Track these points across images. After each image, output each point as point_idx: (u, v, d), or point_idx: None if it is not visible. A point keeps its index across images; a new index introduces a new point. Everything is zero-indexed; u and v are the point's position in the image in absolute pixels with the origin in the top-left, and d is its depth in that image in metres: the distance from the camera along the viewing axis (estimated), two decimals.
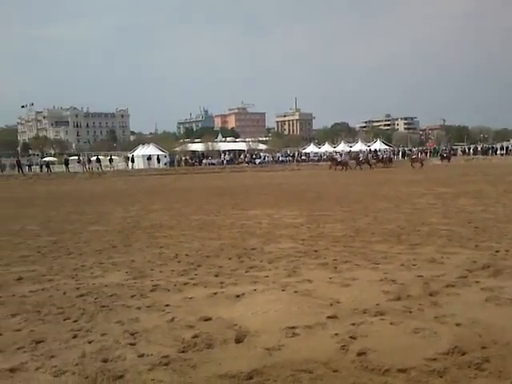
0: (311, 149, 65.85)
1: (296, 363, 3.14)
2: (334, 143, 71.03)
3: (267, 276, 5.42)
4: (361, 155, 46.28)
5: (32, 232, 9.57)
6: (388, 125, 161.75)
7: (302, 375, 2.98)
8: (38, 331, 3.87)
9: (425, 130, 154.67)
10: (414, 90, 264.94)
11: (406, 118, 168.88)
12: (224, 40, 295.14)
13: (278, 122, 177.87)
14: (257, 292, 4.82)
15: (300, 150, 66.16)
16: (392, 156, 50.48)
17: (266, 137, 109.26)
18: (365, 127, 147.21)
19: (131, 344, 3.55)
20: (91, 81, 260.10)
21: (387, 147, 64.53)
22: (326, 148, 64.77)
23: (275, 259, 6.29)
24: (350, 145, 67.63)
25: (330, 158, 45.40)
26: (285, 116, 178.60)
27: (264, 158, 56.93)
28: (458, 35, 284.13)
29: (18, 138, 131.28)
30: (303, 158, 59.44)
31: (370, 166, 41.17)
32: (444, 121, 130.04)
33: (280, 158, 58.18)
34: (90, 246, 7.71)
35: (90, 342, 3.60)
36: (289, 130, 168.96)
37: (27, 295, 4.92)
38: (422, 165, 38.62)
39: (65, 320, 4.12)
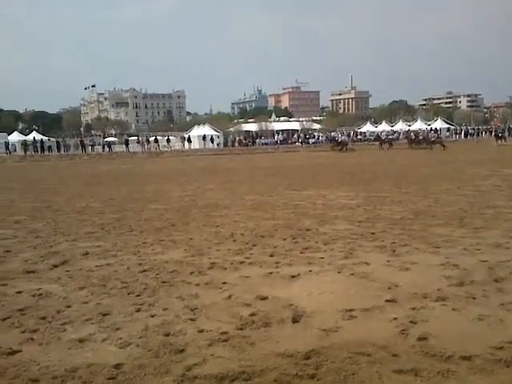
0: (367, 128, 64.05)
1: (353, 345, 3.13)
2: (391, 122, 68.77)
3: (322, 257, 5.40)
4: (412, 134, 44.70)
5: (96, 209, 10.02)
6: (449, 102, 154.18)
7: (360, 358, 2.97)
8: (104, 304, 4.08)
9: (489, 107, 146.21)
10: (478, 65, 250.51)
11: (469, 95, 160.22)
12: (278, 18, 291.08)
13: (332, 100, 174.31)
14: (312, 273, 4.82)
15: (355, 129, 64.62)
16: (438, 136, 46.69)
17: (320, 116, 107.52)
18: (424, 105, 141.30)
19: (191, 319, 3.67)
20: (149, 62, 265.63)
21: (447, 125, 61.81)
22: (384, 127, 62.77)
23: (330, 241, 6.25)
24: (409, 123, 65.13)
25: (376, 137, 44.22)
26: (340, 94, 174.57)
27: (318, 138, 56.11)
28: None
29: (81, 119, 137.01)
30: (359, 137, 58.03)
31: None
32: (511, 98, 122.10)
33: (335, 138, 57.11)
34: (150, 224, 7.98)
35: (152, 316, 3.75)
36: (344, 108, 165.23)
37: (93, 269, 5.18)
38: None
39: (129, 294, 4.32)
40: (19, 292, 4.48)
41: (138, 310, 3.90)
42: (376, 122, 69.90)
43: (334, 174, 17.98)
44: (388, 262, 5.15)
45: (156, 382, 2.77)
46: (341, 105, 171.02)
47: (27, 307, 4.04)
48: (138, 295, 4.28)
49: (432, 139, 40.70)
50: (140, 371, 2.88)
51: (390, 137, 49.09)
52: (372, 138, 53.51)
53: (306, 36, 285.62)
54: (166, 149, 48.73)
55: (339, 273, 4.79)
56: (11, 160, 39.35)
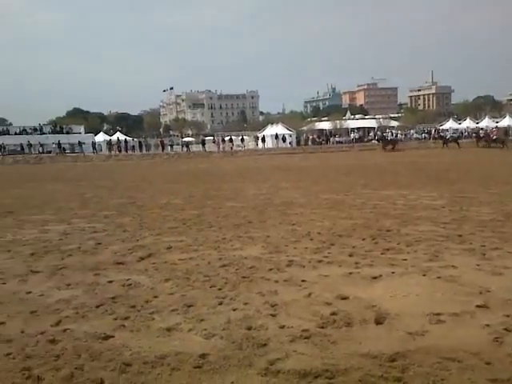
0: (450, 125, 60.83)
1: (442, 351, 3.00)
2: (476, 118, 64.82)
3: (405, 259, 5.20)
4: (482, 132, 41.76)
5: (177, 206, 10.42)
6: None
7: (450, 364, 2.83)
8: (189, 296, 4.22)
9: None
10: None
11: None
12: (350, 13, 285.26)
13: (411, 96, 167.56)
14: (395, 275, 4.67)
15: (437, 126, 61.66)
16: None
17: (397, 113, 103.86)
18: None
19: (272, 315, 3.70)
20: (223, 64, 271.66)
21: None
22: (468, 124, 59.41)
23: (414, 242, 6.01)
24: (497, 120, 60.94)
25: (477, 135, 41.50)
26: (419, 90, 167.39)
27: (396, 136, 54.25)
28: None
29: (161, 120, 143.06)
30: (440, 134, 55.37)
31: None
32: None
33: (414, 136, 55.01)
34: (228, 221, 8.16)
35: (234, 310, 3.83)
36: (423, 105, 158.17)
37: (177, 263, 5.39)
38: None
39: (211, 287, 4.44)
40: (110, 281, 4.75)
41: (221, 303, 3.99)
42: (459, 119, 66.26)
43: (414, 173, 17.31)
44: (478, 265, 4.87)
45: (240, 373, 2.83)
46: (420, 101, 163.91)
47: (118, 296, 4.28)
48: (220, 289, 4.38)
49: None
50: (224, 362, 2.95)
51: (453, 135, 45.91)
52: (455, 135, 50.80)
53: (385, 32, 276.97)
54: (240, 148, 49.57)
55: (424, 275, 4.59)
56: (97, 159, 42.03)
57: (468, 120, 61.14)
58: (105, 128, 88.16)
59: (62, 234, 7.40)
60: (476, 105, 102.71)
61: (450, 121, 63.26)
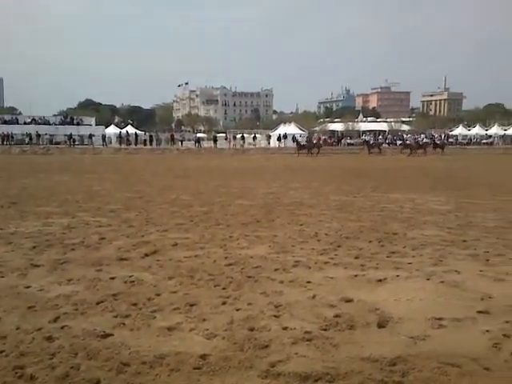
0: (459, 131, 60.57)
1: (443, 355, 3.01)
2: (486, 126, 64.29)
3: (410, 263, 5.21)
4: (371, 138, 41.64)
5: (185, 202, 10.43)
6: None
7: (450, 369, 2.84)
8: (192, 294, 4.22)
9: None
10: None
11: None
12: (373, 16, 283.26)
13: (423, 101, 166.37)
14: (400, 278, 4.67)
15: (447, 131, 61.24)
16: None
17: (409, 117, 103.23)
18: None
19: (275, 316, 3.71)
20: (239, 61, 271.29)
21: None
22: (477, 131, 59.06)
23: (419, 246, 6.01)
24: (505, 128, 60.57)
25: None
26: (432, 95, 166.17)
27: (406, 140, 53.88)
28: None
29: (173, 115, 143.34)
30: (450, 140, 54.95)
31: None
32: None
33: (424, 140, 54.55)
34: (236, 219, 8.17)
35: (237, 310, 3.83)
36: (435, 110, 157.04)
37: (182, 260, 5.39)
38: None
39: (215, 286, 4.45)
40: (112, 278, 4.70)
41: (224, 303, 3.99)
42: (469, 125, 65.76)
43: (423, 177, 17.22)
44: (481, 271, 4.87)
45: (240, 375, 2.82)
46: (432, 106, 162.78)
47: (120, 293, 4.23)
48: (224, 288, 4.38)
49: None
50: (225, 363, 2.94)
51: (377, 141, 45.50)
52: (464, 141, 50.40)
53: (401, 35, 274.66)
54: (252, 146, 49.54)
55: (428, 280, 4.60)
56: (107, 152, 41.96)
57: (478, 127, 60.77)
58: (116, 121, 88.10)
59: (65, 228, 7.27)
60: (487, 112, 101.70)
61: (460, 127, 62.86)
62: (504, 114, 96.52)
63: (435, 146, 40.37)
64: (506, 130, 57.89)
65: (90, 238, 6.59)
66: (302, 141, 41.83)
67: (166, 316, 3.73)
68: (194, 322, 3.61)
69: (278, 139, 49.86)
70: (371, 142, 42.67)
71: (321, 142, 43.94)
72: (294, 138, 49.25)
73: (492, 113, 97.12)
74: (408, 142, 41.95)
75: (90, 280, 4.63)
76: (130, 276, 4.75)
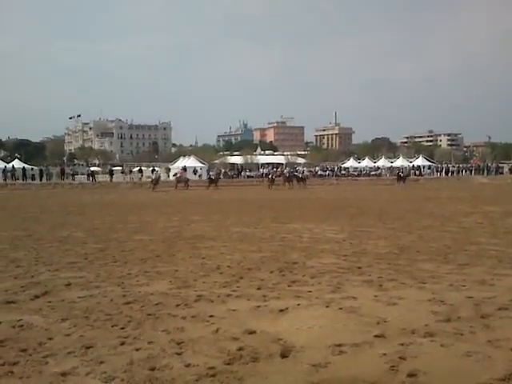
0: (351, 163, 65.18)
1: (344, 381, 3.09)
2: (374, 158, 69.98)
3: (310, 291, 5.36)
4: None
5: (79, 239, 9.84)
6: (430, 141, 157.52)
7: None
8: (88, 336, 3.95)
9: (469, 146, 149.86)
10: (459, 105, 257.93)
11: (449, 134, 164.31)
12: (264, 55, 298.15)
13: (316, 136, 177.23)
14: (300, 307, 4.77)
15: (339, 164, 65.58)
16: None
17: (304, 151, 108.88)
18: (406, 143, 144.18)
19: (177, 353, 3.58)
20: (135, 94, 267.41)
21: (428, 163, 63.45)
22: (366, 163, 63.99)
23: (318, 274, 6.23)
24: (391, 160, 66.58)
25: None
26: (324, 130, 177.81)
27: (302, 172, 56.61)
28: (506, 50, 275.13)
29: (65, 148, 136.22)
30: (342, 172, 58.87)
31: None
32: (489, 138, 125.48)
33: (319, 173, 57.79)
34: (134, 255, 7.86)
35: (137, 350, 3.65)
36: (328, 144, 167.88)
37: (76, 301, 5.05)
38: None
39: (112, 326, 4.20)
40: None
41: (123, 343, 3.79)
42: (359, 158, 71.07)
43: (320, 208, 18.09)
44: (376, 296, 5.14)
45: None
46: (325, 140, 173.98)
47: (7, 339, 3.90)
48: (123, 328, 4.17)
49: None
50: None
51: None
52: (355, 173, 53.94)
53: (294, 73, 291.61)
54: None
55: (327, 307, 4.75)
56: None
57: (367, 159, 65.86)
58: (1, 155, 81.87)
59: None
60: (374, 146, 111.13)
61: (351, 160, 67.67)
62: (389, 148, 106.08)
63: (298, 179, 41.53)
64: (392, 163, 63.50)
65: None
66: (213, 175, 41.72)
67: (60, 361, 3.46)
68: (91, 365, 3.38)
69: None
70: (287, 175, 42.60)
71: (221, 175, 44.29)
72: (195, 171, 49.32)
73: (379, 146, 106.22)
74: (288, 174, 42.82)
75: None
76: (19, 320, 4.38)
